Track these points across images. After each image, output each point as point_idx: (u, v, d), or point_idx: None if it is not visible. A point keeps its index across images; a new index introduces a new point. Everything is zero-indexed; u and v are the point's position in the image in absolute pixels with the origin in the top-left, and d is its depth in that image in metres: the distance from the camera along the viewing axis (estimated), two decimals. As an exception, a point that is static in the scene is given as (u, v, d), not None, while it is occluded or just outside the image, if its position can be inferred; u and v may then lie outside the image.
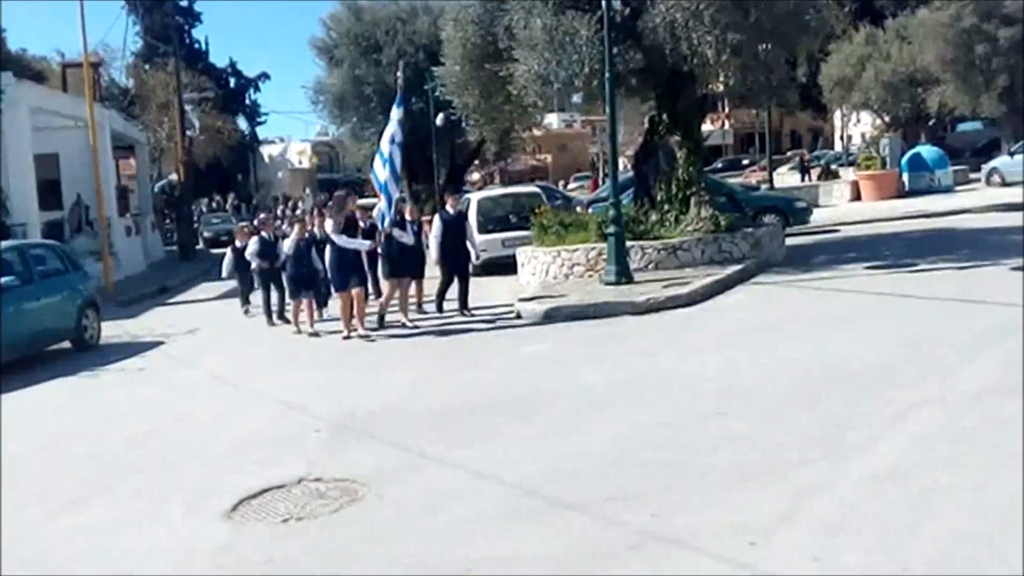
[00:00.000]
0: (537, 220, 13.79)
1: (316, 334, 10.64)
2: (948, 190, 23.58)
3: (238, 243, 13.62)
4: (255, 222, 17.67)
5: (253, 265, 12.51)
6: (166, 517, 4.82)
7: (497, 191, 23.02)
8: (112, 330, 12.44)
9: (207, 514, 4.77)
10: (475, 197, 17.31)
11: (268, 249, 12.05)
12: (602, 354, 8.07)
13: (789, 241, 14.68)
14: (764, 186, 25.39)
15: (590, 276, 12.27)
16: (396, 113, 10.98)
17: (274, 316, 12.07)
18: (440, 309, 11.19)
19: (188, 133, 29.84)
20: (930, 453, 4.59)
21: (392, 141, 10.71)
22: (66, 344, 11.19)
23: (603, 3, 11.27)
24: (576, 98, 17.20)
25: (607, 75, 11.41)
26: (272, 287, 12.04)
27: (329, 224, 10.43)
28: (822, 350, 7.17)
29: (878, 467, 4.44)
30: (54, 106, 20.07)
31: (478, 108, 13.79)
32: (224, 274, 13.56)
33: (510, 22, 12.68)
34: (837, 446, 4.79)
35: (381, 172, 10.71)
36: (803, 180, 30.28)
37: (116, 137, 24.26)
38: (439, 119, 23.84)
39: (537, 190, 19.09)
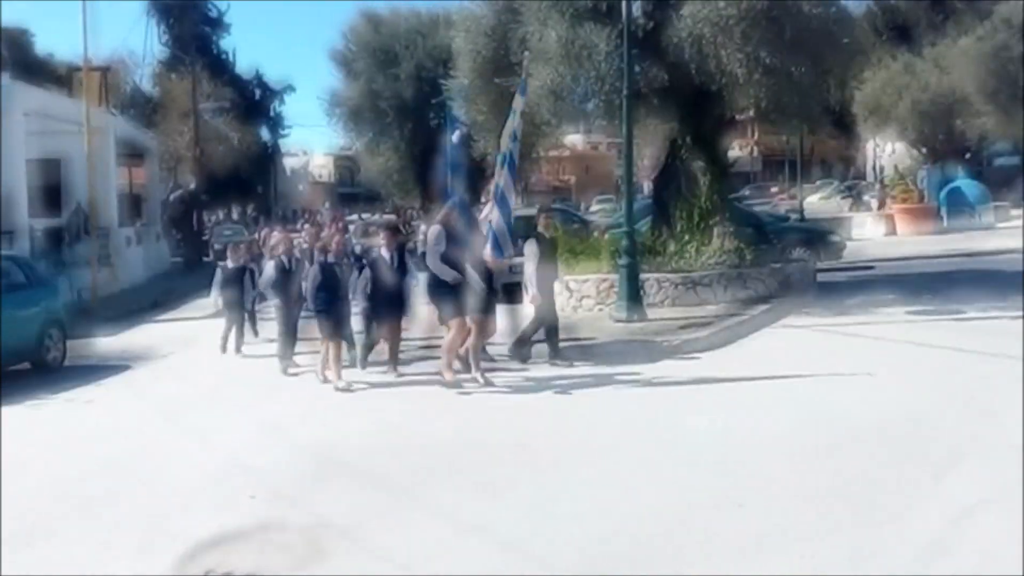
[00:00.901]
0: (544, 247, 12.77)
1: (349, 388, 8.22)
2: (989, 227, 22.36)
3: (230, 263, 11.13)
4: (262, 236, 16.45)
5: (247, 303, 10.94)
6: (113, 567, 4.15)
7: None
8: (87, 349, 11.59)
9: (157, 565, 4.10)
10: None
11: (286, 278, 9.34)
12: (607, 402, 7.29)
13: (820, 278, 13.62)
14: (794, 216, 24.24)
15: (600, 310, 11.31)
16: (519, 103, 8.91)
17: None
18: (523, 357, 8.75)
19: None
20: (973, 524, 3.90)
21: (513, 138, 8.61)
22: (27, 365, 10.32)
23: (624, 15, 10.38)
24: (601, 120, 16.22)
25: (625, 92, 10.47)
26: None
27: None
28: (853, 405, 6.43)
29: (915, 540, 3.77)
30: (55, 110, 19.44)
31: (487, 124, 12.89)
32: (220, 302, 10.97)
33: (524, 34, 11.82)
34: (868, 514, 4.12)
35: (498, 174, 8.47)
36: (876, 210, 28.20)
37: (126, 144, 23.68)
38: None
39: (550, 213, 18.07)
